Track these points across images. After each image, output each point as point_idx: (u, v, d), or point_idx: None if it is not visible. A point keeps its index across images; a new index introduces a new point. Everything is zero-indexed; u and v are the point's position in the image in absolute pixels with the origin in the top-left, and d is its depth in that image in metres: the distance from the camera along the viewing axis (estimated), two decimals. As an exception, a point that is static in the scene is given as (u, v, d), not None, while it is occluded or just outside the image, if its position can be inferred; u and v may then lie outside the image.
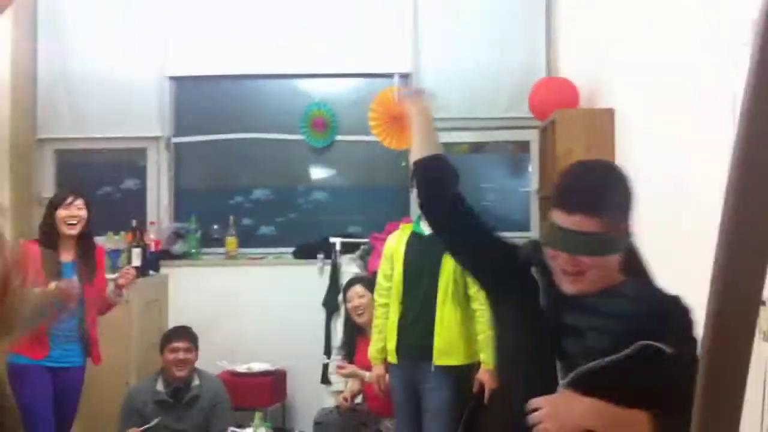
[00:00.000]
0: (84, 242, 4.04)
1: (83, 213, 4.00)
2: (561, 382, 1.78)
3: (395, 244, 3.89)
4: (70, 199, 3.98)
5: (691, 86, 2.88)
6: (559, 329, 1.81)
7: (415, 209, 4.84)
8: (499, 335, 2.04)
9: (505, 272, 1.96)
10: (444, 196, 2.04)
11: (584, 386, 1.74)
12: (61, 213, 3.96)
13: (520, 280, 1.89)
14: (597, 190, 1.79)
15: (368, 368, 4.12)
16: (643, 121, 3.50)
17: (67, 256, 3.98)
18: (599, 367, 1.74)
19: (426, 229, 3.76)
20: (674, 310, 1.80)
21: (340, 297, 4.81)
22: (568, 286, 1.80)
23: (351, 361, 4.32)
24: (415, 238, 3.84)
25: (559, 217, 1.76)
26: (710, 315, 0.72)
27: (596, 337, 1.77)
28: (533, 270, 1.87)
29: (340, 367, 4.31)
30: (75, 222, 3.97)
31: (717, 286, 0.71)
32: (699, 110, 2.80)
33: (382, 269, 3.95)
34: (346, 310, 4.50)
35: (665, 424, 1.68)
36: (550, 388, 1.78)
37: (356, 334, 4.42)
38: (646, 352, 1.71)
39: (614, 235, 1.75)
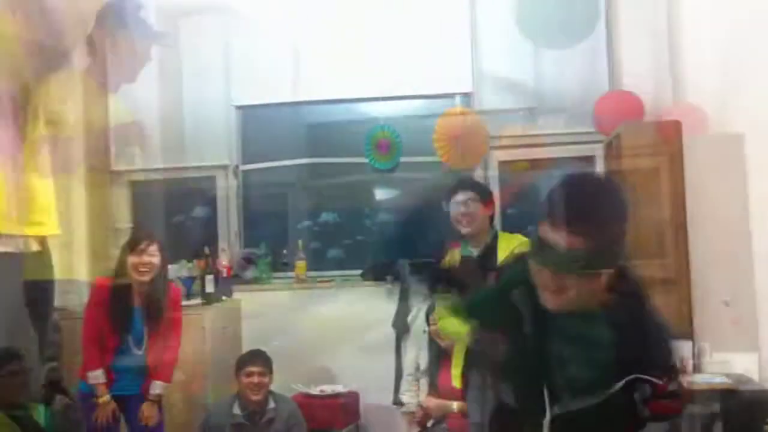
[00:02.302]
0: (154, 287, 3.95)
1: (156, 260, 3.93)
2: (547, 417, 1.75)
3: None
4: (142, 246, 3.92)
5: None
6: (544, 357, 1.76)
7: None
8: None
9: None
10: None
11: (571, 426, 1.73)
12: (133, 260, 3.91)
13: (504, 309, 1.84)
14: (585, 205, 1.70)
15: (451, 392, 4.05)
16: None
17: (137, 301, 3.94)
18: (587, 407, 1.70)
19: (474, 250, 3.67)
20: (659, 340, 1.77)
21: (410, 318, 4.80)
22: (549, 302, 1.73)
23: (434, 384, 4.27)
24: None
25: (545, 232, 1.70)
26: None
27: (581, 368, 1.73)
28: (514, 294, 1.81)
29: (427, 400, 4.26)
30: (146, 270, 3.92)
31: None
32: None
33: None
34: (429, 333, 4.41)
35: None
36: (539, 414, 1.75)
37: (440, 357, 4.33)
38: (635, 384, 1.68)
39: (599, 253, 1.66)
